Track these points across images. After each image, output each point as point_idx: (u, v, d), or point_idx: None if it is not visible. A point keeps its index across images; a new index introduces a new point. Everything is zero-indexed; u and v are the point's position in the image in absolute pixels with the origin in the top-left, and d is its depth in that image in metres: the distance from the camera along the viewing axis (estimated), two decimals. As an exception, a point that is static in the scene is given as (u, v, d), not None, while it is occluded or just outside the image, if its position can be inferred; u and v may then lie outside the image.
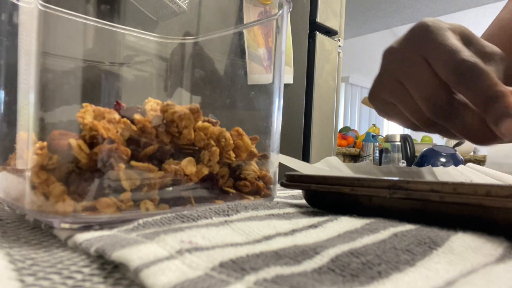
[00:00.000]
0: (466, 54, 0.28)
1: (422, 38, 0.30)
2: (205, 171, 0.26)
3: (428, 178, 0.49)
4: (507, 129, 0.25)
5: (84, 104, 0.23)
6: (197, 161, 0.26)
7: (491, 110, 0.26)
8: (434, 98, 0.29)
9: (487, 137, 0.28)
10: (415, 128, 0.35)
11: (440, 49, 0.29)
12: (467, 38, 0.31)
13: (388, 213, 0.23)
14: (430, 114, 0.30)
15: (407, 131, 4.95)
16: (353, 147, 2.56)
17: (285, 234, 0.19)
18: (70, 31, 0.29)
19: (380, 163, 2.24)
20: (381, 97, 0.35)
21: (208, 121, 0.27)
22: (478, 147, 3.26)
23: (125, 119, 0.23)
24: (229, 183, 0.28)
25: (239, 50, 0.38)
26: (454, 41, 0.29)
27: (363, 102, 0.41)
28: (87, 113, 0.22)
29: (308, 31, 1.30)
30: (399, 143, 2.22)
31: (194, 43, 0.39)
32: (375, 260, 0.15)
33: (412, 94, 0.31)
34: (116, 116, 0.23)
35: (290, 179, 0.29)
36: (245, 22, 0.52)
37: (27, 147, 0.22)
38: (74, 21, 0.29)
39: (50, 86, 0.23)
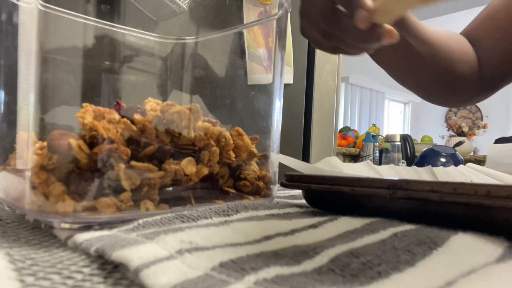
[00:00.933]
0: None
1: None
2: (205, 171, 0.26)
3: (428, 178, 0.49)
4: (359, 19, 0.32)
5: (84, 104, 0.23)
6: (197, 161, 0.26)
7: (350, 7, 0.33)
8: (323, 11, 0.36)
9: (362, 36, 0.34)
10: (327, 48, 0.42)
11: None
12: None
13: (388, 213, 0.23)
14: (323, 25, 0.37)
15: (407, 132, 4.94)
16: (353, 147, 2.56)
17: (285, 234, 0.19)
18: (70, 31, 0.29)
19: (380, 163, 2.23)
20: (305, 28, 0.42)
21: (208, 121, 0.27)
22: (478, 147, 3.26)
23: (125, 119, 0.23)
24: (229, 183, 0.28)
25: (239, 50, 0.38)
26: None
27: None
28: (87, 113, 0.22)
29: (308, 31, 1.30)
30: (399, 143, 2.22)
31: (194, 43, 0.39)
32: (375, 260, 0.15)
33: (313, 14, 0.38)
34: (116, 116, 0.23)
35: (290, 179, 0.29)
36: (245, 22, 0.52)
37: (27, 147, 0.22)
38: (74, 21, 0.29)
39: (50, 86, 0.23)
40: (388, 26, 0.33)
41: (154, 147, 0.24)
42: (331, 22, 0.37)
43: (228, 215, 0.22)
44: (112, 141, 0.22)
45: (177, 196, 0.25)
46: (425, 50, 0.49)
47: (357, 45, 0.37)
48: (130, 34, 0.35)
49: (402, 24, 0.43)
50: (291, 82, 1.21)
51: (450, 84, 0.54)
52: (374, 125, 3.07)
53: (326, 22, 0.37)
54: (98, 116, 0.22)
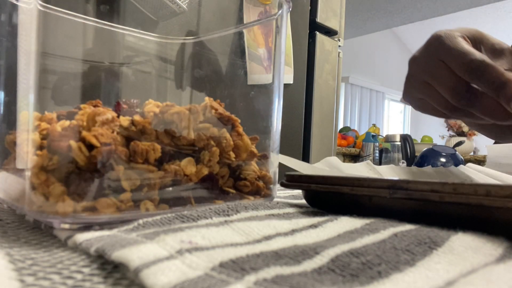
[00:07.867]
0: (474, 55, 0.34)
1: (438, 45, 0.37)
2: (205, 171, 0.26)
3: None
4: (509, 98, 0.32)
5: (82, 106, 0.23)
6: (197, 161, 0.26)
7: (502, 95, 0.32)
8: (456, 89, 0.36)
9: (505, 114, 0.34)
10: (444, 115, 0.41)
11: (453, 53, 0.35)
12: (477, 39, 0.38)
13: (388, 213, 0.23)
14: (454, 102, 0.37)
15: (407, 132, 4.93)
16: (353, 147, 2.56)
17: (285, 234, 0.19)
18: (69, 31, 0.29)
19: (380, 163, 2.24)
20: (412, 95, 0.43)
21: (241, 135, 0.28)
22: (478, 147, 3.26)
23: (122, 117, 0.23)
24: (229, 183, 0.28)
25: (239, 50, 0.38)
26: (464, 45, 0.35)
27: (401, 100, 0.50)
28: (84, 116, 0.22)
29: (308, 31, 1.30)
30: (399, 143, 2.23)
31: (194, 43, 0.39)
32: (375, 260, 0.15)
33: (437, 89, 0.38)
34: (109, 115, 0.23)
35: (290, 179, 0.29)
36: (245, 22, 0.52)
37: (27, 147, 0.22)
38: (74, 21, 0.29)
39: (50, 86, 0.23)
40: None
41: (157, 149, 0.24)
42: (465, 100, 0.35)
43: (228, 215, 0.22)
44: (108, 144, 0.22)
45: (177, 196, 0.25)
46: None
47: (496, 120, 0.35)
48: (129, 34, 0.35)
49: None
50: (291, 82, 1.22)
51: None
52: (374, 125, 3.07)
53: (457, 100, 0.36)
54: (90, 120, 0.22)
